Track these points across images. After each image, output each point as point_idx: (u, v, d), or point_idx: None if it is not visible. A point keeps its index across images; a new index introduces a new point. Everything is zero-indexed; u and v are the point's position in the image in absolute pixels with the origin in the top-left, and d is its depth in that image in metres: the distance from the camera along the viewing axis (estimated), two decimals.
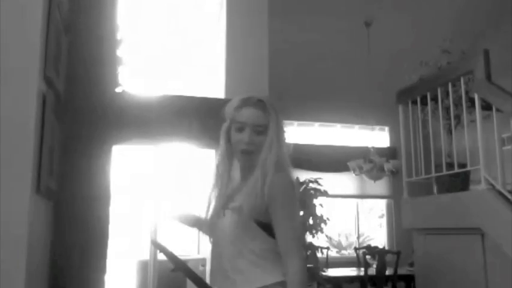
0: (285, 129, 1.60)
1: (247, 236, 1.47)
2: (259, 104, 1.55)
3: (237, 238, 1.47)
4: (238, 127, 1.53)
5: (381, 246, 5.92)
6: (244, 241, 1.46)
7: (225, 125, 1.59)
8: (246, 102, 1.55)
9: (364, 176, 5.85)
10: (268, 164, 1.47)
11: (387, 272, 4.89)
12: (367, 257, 5.01)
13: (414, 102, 4.02)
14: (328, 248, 6.16)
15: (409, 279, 4.93)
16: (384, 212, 7.26)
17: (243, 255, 1.46)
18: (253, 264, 1.45)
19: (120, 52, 2.66)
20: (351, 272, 5.41)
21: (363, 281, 4.89)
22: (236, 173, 1.60)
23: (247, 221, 1.46)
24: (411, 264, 4.98)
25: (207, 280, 1.59)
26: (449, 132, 3.86)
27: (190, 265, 1.77)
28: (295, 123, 6.93)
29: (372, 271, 4.95)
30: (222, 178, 1.58)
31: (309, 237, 4.60)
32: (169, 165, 4.10)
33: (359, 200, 7.26)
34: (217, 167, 1.59)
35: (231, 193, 1.56)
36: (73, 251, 2.07)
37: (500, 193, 3.06)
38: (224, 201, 1.55)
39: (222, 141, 1.59)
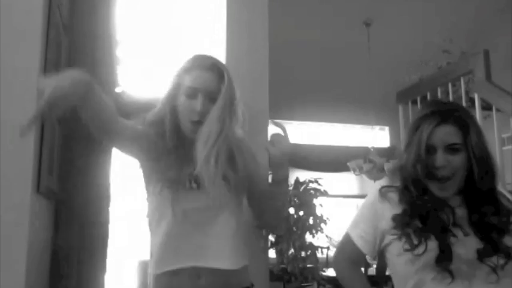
0: (239, 101, 1.40)
1: (237, 209, 1.40)
2: (214, 67, 1.34)
3: (228, 211, 1.37)
4: (188, 93, 1.32)
5: None
6: (235, 214, 1.39)
7: (170, 89, 1.37)
8: (199, 64, 1.34)
9: (364, 176, 5.85)
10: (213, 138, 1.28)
11: (387, 272, 4.88)
12: (367, 257, 4.99)
13: (414, 102, 4.02)
14: (328, 248, 6.16)
15: None
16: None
17: (234, 230, 1.38)
18: (239, 238, 1.40)
19: (119, 52, 2.66)
20: None
21: None
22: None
23: (237, 193, 1.39)
24: None
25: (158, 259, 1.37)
26: None
27: None
28: (296, 122, 6.93)
29: (372, 271, 4.95)
30: (167, 147, 1.35)
31: (309, 237, 4.60)
32: None
33: (359, 200, 7.25)
34: (158, 136, 1.35)
35: (186, 163, 1.34)
36: (73, 251, 2.06)
37: (501, 193, 3.06)
38: (187, 171, 1.33)
39: (165, 108, 1.36)
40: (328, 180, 5.16)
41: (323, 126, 7.15)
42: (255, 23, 4.20)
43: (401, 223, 1.20)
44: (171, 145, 1.35)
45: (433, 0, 5.77)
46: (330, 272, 5.17)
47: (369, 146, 6.04)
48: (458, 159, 1.17)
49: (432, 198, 1.20)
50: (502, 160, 3.16)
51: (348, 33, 5.99)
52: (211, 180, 1.28)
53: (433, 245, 1.15)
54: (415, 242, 1.16)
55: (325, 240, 5.91)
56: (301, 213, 4.39)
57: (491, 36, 5.89)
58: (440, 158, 1.17)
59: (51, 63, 1.81)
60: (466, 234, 1.17)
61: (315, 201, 4.64)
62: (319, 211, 4.64)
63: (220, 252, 1.33)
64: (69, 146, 2.11)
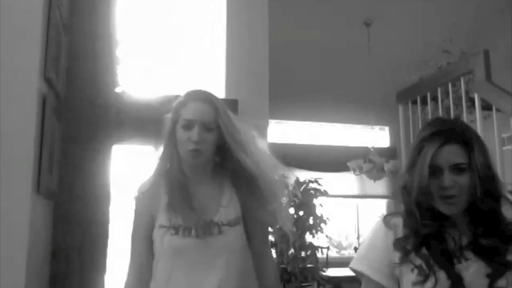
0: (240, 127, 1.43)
1: (246, 252, 1.40)
2: (207, 99, 1.41)
3: (242, 256, 1.38)
4: (184, 124, 1.37)
5: None
6: (247, 259, 1.40)
7: (168, 125, 1.41)
8: (192, 97, 1.41)
9: (364, 176, 5.85)
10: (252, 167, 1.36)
11: None
12: None
13: (414, 102, 4.01)
14: (328, 248, 6.16)
15: None
16: (384, 212, 7.26)
17: (248, 274, 1.39)
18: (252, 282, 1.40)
19: (119, 52, 2.66)
20: (351, 272, 5.40)
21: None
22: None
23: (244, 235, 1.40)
24: None
25: None
26: None
27: None
28: (296, 123, 6.93)
29: None
30: (179, 187, 1.38)
31: (309, 237, 4.60)
32: None
33: (359, 200, 7.26)
34: (169, 174, 1.40)
35: (199, 204, 1.37)
36: (73, 251, 2.06)
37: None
38: (198, 215, 1.35)
39: (168, 145, 1.41)
40: (328, 180, 5.16)
41: (323, 126, 7.15)
42: (255, 23, 4.20)
43: (404, 250, 1.17)
44: (179, 181, 1.38)
45: (433, 0, 5.77)
46: (330, 272, 5.17)
47: (369, 146, 6.04)
48: (464, 179, 1.15)
49: (438, 217, 1.18)
50: (502, 160, 3.16)
51: (348, 33, 5.99)
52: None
53: (442, 275, 1.12)
54: (422, 276, 1.13)
55: (325, 240, 5.92)
56: (301, 213, 4.40)
57: (491, 36, 5.90)
58: (447, 178, 1.15)
59: (51, 63, 1.81)
60: (470, 259, 1.15)
61: (315, 201, 4.64)
62: (319, 211, 4.64)
63: None
64: (69, 146, 2.12)
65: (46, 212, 1.96)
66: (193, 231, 1.33)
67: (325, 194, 4.70)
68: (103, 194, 2.19)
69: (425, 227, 1.17)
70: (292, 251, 4.13)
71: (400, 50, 5.96)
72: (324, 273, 4.88)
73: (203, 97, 1.41)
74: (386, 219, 1.25)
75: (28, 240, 1.61)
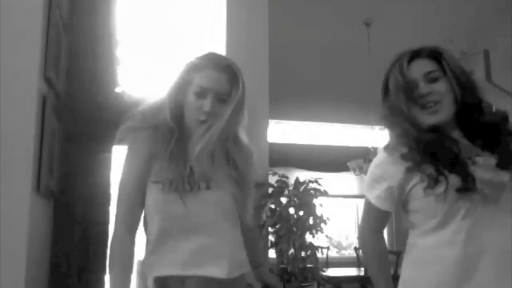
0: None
1: (236, 214, 1.35)
2: (228, 68, 1.30)
3: (234, 214, 1.33)
4: (198, 92, 1.26)
5: None
6: (236, 218, 1.34)
7: (177, 84, 1.31)
8: (213, 64, 1.29)
9: (364, 176, 5.85)
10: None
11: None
12: None
13: None
14: (328, 248, 6.16)
15: None
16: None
17: (238, 232, 1.34)
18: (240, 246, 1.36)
19: (119, 52, 2.66)
20: (351, 272, 5.41)
21: (363, 281, 4.89)
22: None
23: (242, 198, 1.34)
24: None
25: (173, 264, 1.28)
26: None
27: None
28: (296, 123, 6.93)
29: None
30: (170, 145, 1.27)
31: (309, 237, 4.60)
32: None
33: (359, 200, 7.25)
34: (161, 131, 1.29)
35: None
36: (73, 251, 2.07)
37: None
38: (186, 172, 1.28)
39: (170, 101, 1.30)
40: (328, 180, 5.16)
41: (323, 126, 7.14)
42: (255, 23, 4.20)
43: (414, 160, 1.22)
44: (171, 139, 1.28)
45: (433, 0, 5.77)
46: (330, 272, 5.17)
47: (369, 146, 6.03)
48: (440, 86, 1.24)
49: (432, 132, 1.24)
50: None
51: (348, 33, 5.99)
52: (204, 175, 1.25)
53: (453, 178, 1.16)
54: (433, 181, 1.18)
55: (325, 240, 5.92)
56: (301, 213, 4.38)
57: (491, 36, 5.89)
58: (423, 86, 1.24)
59: (51, 63, 1.81)
60: (477, 154, 1.19)
61: (315, 201, 4.63)
62: (319, 211, 4.63)
63: (218, 261, 1.26)
64: (69, 146, 2.12)
65: (46, 212, 1.96)
66: (180, 186, 1.25)
67: (325, 194, 4.68)
68: (103, 194, 2.19)
69: (425, 134, 1.23)
70: (292, 251, 4.12)
71: (400, 50, 5.95)
72: (324, 273, 4.88)
73: (224, 65, 1.29)
74: (389, 147, 1.31)
75: (28, 240, 1.61)
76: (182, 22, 4.22)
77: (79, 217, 2.09)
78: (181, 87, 1.29)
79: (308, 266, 4.26)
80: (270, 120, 4.15)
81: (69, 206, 2.09)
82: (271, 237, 4.00)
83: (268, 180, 4.01)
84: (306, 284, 4.39)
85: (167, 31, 4.18)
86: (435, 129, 1.23)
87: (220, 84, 1.27)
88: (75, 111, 2.16)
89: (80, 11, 2.25)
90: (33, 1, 1.73)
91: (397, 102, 1.27)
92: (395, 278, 1.33)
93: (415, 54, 1.30)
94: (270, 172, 4.09)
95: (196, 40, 4.23)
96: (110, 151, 2.24)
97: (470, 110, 1.25)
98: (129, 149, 1.32)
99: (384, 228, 1.39)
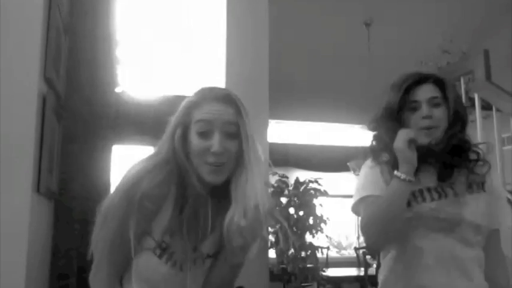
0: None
1: None
2: (227, 97, 1.10)
3: None
4: (201, 129, 1.07)
5: None
6: None
7: (178, 130, 1.09)
8: (210, 96, 1.10)
9: None
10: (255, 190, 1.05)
11: None
12: (367, 257, 5.01)
13: None
14: (328, 248, 6.16)
15: None
16: None
17: None
18: None
19: (119, 52, 2.66)
20: (351, 272, 5.41)
21: (363, 281, 4.89)
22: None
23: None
24: None
25: None
26: None
27: None
28: (296, 123, 6.93)
29: (372, 271, 4.95)
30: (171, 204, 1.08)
31: (309, 237, 4.60)
32: None
33: None
34: (161, 186, 1.07)
35: (193, 229, 1.09)
36: (73, 251, 2.06)
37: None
38: (195, 239, 1.09)
39: (175, 153, 1.08)
40: (328, 180, 5.16)
41: (323, 126, 7.14)
42: (255, 24, 4.20)
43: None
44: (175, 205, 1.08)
45: (433, 0, 5.77)
46: (330, 272, 5.17)
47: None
48: (440, 112, 1.34)
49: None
50: (502, 160, 3.16)
51: (348, 33, 5.99)
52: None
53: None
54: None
55: (325, 240, 5.92)
56: (301, 213, 4.40)
57: (491, 36, 5.89)
58: (425, 109, 1.34)
59: (51, 63, 1.81)
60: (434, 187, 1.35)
61: (315, 201, 4.64)
62: (319, 211, 4.64)
63: None
64: (69, 146, 2.12)
65: (46, 211, 1.96)
66: (178, 263, 1.08)
67: (325, 194, 4.69)
68: (103, 194, 2.19)
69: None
70: (292, 251, 4.13)
71: (400, 50, 5.95)
72: (324, 273, 4.88)
73: (223, 95, 1.11)
74: (374, 155, 1.45)
75: (28, 240, 1.61)
76: (182, 22, 4.22)
77: (79, 217, 2.09)
78: (183, 134, 1.09)
79: (308, 266, 4.26)
80: (270, 120, 4.15)
81: (69, 206, 2.09)
82: (271, 237, 4.00)
83: (268, 180, 4.01)
84: (306, 284, 4.39)
85: (167, 31, 4.18)
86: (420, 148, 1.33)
87: (225, 115, 1.07)
88: (75, 111, 2.16)
89: (80, 11, 2.25)
90: (33, 1, 1.73)
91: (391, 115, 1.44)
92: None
93: (422, 79, 1.39)
94: (270, 172, 4.10)
95: (196, 40, 4.23)
96: (110, 151, 2.24)
97: (455, 140, 1.36)
98: None
99: None
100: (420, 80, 1.38)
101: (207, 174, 1.07)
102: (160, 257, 1.08)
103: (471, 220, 1.29)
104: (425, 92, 1.36)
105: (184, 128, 1.10)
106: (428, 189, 1.32)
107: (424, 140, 1.32)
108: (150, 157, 1.13)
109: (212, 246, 1.13)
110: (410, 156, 1.28)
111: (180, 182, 1.09)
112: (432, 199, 1.31)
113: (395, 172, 1.28)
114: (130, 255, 1.08)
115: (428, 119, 1.32)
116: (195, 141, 1.07)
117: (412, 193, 1.31)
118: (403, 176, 1.27)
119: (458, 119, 1.35)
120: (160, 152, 1.11)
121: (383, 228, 1.28)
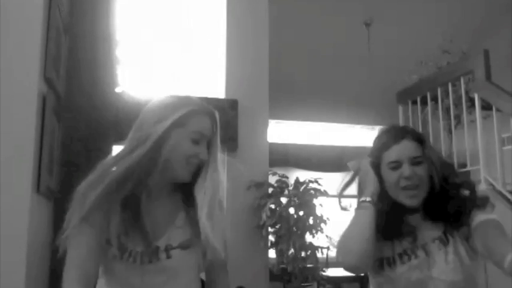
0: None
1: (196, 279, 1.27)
2: (212, 114, 1.24)
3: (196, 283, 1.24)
4: (195, 138, 1.19)
5: None
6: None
7: (172, 132, 1.17)
8: (205, 110, 1.23)
9: None
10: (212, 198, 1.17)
11: None
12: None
13: (414, 102, 4.02)
14: (328, 248, 6.15)
15: None
16: None
17: None
18: None
19: (119, 52, 2.66)
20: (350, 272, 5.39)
21: (363, 281, 4.89)
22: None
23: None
24: None
25: None
26: (450, 132, 3.86)
27: None
28: (296, 123, 6.92)
29: None
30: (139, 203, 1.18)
31: (309, 237, 4.60)
32: None
33: None
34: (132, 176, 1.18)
35: (151, 224, 1.17)
36: None
37: (501, 193, 3.06)
38: (148, 239, 1.16)
39: (152, 149, 1.16)
40: (328, 180, 5.15)
41: (323, 126, 7.14)
42: (255, 24, 4.20)
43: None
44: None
45: (433, 0, 5.77)
46: (330, 272, 5.17)
47: (369, 146, 6.02)
48: (421, 170, 1.31)
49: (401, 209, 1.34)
50: (502, 160, 3.16)
51: (348, 33, 5.99)
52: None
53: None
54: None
55: (325, 240, 5.91)
56: (301, 213, 4.38)
57: (491, 36, 5.89)
58: (407, 169, 1.30)
59: (51, 63, 1.81)
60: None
61: (315, 201, 4.63)
62: (319, 211, 4.63)
63: None
64: (69, 146, 2.12)
65: (46, 212, 1.96)
66: (138, 258, 1.15)
67: (325, 194, 4.68)
68: None
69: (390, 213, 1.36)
70: (292, 251, 4.12)
71: (400, 50, 5.95)
72: (324, 273, 4.88)
73: (211, 111, 1.24)
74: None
75: (28, 240, 1.61)
76: (182, 22, 4.22)
77: None
78: (167, 132, 1.17)
79: (308, 266, 4.26)
80: (270, 120, 4.15)
81: (69, 206, 2.09)
82: (271, 237, 4.00)
83: (268, 180, 4.01)
84: (306, 284, 4.39)
85: (167, 31, 4.18)
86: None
87: (209, 129, 1.22)
88: (75, 111, 2.16)
89: (80, 11, 2.24)
90: (33, 1, 1.73)
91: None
92: None
93: (403, 134, 1.36)
94: (270, 172, 4.09)
95: (196, 40, 4.23)
96: (110, 151, 2.24)
97: (438, 197, 1.32)
98: None
99: None
100: (401, 135, 1.36)
101: (186, 172, 1.18)
102: (122, 258, 1.16)
103: (443, 279, 1.28)
104: (405, 151, 1.33)
105: (177, 127, 1.18)
106: (400, 254, 1.33)
107: (408, 202, 1.31)
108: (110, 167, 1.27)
109: (178, 238, 1.19)
110: (374, 177, 1.36)
111: (140, 179, 1.17)
112: (402, 262, 1.31)
113: (362, 198, 1.38)
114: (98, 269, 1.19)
115: (410, 179, 1.30)
116: (186, 146, 1.18)
117: (386, 258, 1.33)
118: (368, 199, 1.36)
119: (441, 176, 1.32)
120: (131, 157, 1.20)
121: (351, 248, 1.37)
